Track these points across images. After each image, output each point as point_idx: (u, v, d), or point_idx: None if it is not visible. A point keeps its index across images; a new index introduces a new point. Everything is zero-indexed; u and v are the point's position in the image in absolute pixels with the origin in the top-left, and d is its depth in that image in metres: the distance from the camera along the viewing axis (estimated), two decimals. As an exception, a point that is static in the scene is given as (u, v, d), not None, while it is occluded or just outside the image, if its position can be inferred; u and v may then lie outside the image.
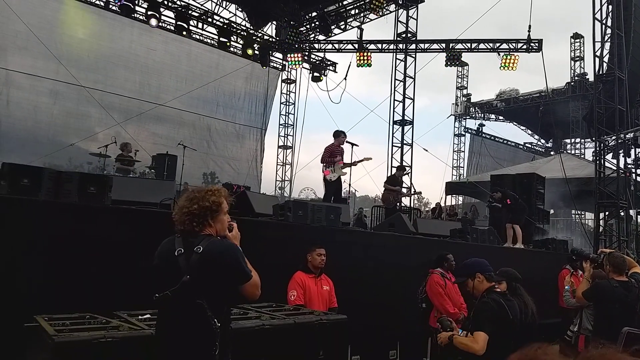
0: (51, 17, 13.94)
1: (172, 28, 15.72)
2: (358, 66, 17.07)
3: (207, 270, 2.52)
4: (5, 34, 13.04)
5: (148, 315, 3.44)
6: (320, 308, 4.69)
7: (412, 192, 14.17)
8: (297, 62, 17.82)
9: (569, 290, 6.29)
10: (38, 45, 13.22)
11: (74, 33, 14.41)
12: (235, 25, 17.12)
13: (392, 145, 16.43)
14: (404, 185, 12.89)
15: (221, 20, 16.68)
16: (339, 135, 9.35)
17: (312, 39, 19.01)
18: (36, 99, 13.78)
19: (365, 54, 17.01)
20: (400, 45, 16.69)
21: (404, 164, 16.12)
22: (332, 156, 9.16)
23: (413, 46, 16.70)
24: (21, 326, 3.21)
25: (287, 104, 20.37)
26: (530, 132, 30.36)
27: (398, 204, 11.98)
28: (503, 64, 16.06)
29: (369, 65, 17.00)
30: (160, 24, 15.46)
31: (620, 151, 13.54)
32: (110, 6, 14.84)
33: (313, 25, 18.61)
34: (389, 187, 11.38)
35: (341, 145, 9.31)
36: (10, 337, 3.55)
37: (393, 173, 12.50)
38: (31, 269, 4.03)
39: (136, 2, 14.84)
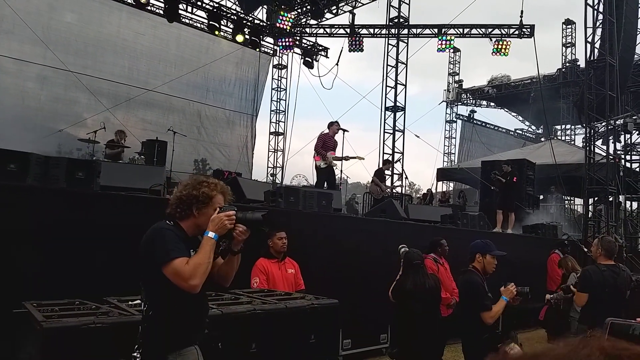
0: (38, 1, 13.66)
1: (161, 12, 15.48)
2: (350, 51, 16.94)
3: (141, 254, 2.51)
4: (-10, 17, 12.77)
5: (138, 301, 3.42)
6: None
7: (390, 189, 14.27)
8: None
9: None
10: (24, 30, 12.96)
11: (61, 17, 14.14)
12: (225, 9, 16.89)
13: (384, 132, 16.41)
14: (395, 172, 12.99)
15: (211, 3, 16.44)
16: (332, 125, 9.48)
17: (303, 23, 18.82)
18: (23, 84, 13.55)
19: (357, 39, 16.87)
20: (393, 30, 16.58)
21: (396, 150, 16.14)
22: (324, 146, 9.26)
23: (405, 31, 16.60)
24: (9, 312, 3.18)
25: (279, 89, 20.21)
26: (521, 118, 30.46)
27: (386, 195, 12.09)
28: (495, 49, 16.03)
29: (361, 50, 16.89)
30: (148, 7, 15.22)
31: (610, 137, 13.61)
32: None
33: (304, 9, 18.42)
34: (376, 180, 11.53)
35: (335, 135, 9.41)
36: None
37: (380, 167, 12.63)
38: (19, 255, 3.98)
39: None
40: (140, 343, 2.47)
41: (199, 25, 16.83)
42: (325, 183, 9.21)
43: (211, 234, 2.47)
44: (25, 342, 3.12)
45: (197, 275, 2.37)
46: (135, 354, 2.46)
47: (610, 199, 13.00)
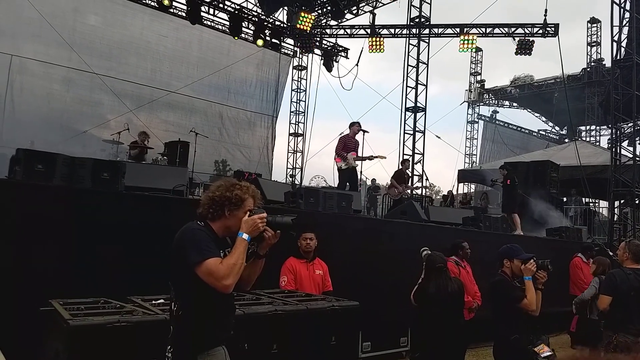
0: (63, 4, 13.96)
1: (184, 14, 15.67)
2: (370, 52, 16.89)
3: (172, 254, 2.53)
4: (18, 21, 13.07)
5: (162, 300, 3.47)
6: (313, 292, 4.71)
7: (413, 187, 14.03)
8: (307, 18, 17.02)
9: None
10: (51, 33, 13.26)
11: (85, 20, 14.43)
12: (246, 11, 17.01)
13: (404, 133, 16.32)
14: (416, 173, 12.89)
15: (232, 6, 16.58)
16: (353, 125, 9.51)
17: (323, 24, 18.83)
18: (49, 86, 13.86)
19: (377, 40, 16.80)
20: (414, 30, 16.47)
21: (416, 151, 16.03)
22: (345, 148, 9.33)
23: (426, 31, 16.48)
24: (37, 310, 3.25)
25: (299, 90, 20.27)
26: (544, 119, 29.98)
27: (404, 197, 11.96)
28: (519, 48, 15.79)
29: (382, 51, 16.83)
30: (171, 10, 15.43)
31: (637, 138, 13.30)
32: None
33: (325, 10, 18.43)
34: (395, 183, 11.45)
35: (356, 136, 9.42)
36: (26, 321, 3.60)
37: (399, 168, 12.53)
38: (46, 254, 4.07)
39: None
40: (172, 343, 2.49)
41: (220, 27, 16.98)
42: (348, 184, 9.22)
43: (245, 235, 2.50)
44: (51, 339, 3.19)
45: (231, 275, 2.40)
46: (167, 355, 2.49)
47: (637, 202, 12.70)
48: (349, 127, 9.59)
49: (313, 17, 17.15)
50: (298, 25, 16.92)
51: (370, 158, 9.45)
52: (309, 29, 17.05)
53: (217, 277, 2.38)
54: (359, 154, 9.40)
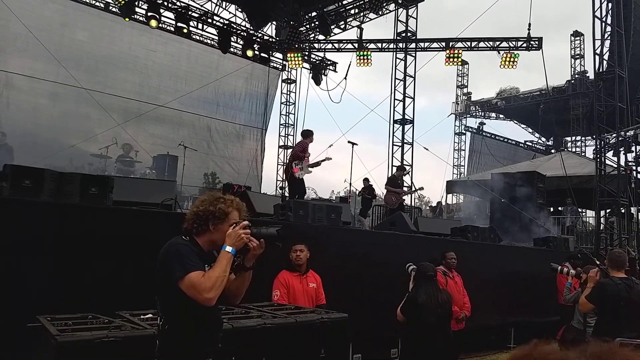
0: (51, 19, 13.95)
1: (172, 29, 15.71)
2: (358, 66, 17.05)
3: (157, 269, 2.54)
4: (5, 36, 13.03)
5: (150, 315, 3.46)
6: (306, 305, 4.68)
7: (414, 190, 14.14)
8: (296, 57, 17.50)
9: (570, 287, 6.30)
10: (38, 47, 13.21)
11: (73, 35, 14.41)
12: (235, 26, 17.11)
13: (393, 145, 16.46)
14: (404, 184, 12.90)
15: (221, 20, 16.67)
16: (309, 134, 9.21)
17: (311, 38, 18.99)
18: (36, 101, 13.76)
19: (365, 54, 16.98)
20: (400, 45, 16.70)
21: (405, 163, 16.14)
22: (304, 151, 8.99)
23: (413, 45, 16.71)
24: (24, 326, 3.22)
25: (288, 103, 20.35)
26: (530, 130, 30.36)
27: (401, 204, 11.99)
28: (503, 61, 16.04)
29: (369, 65, 17.00)
30: (160, 25, 15.47)
31: (621, 149, 13.52)
32: (110, 7, 14.84)
33: (313, 25, 18.60)
34: (390, 188, 11.40)
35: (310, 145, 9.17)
36: (14, 337, 3.57)
37: (393, 173, 12.49)
38: (34, 270, 4.04)
39: (136, 3, 14.80)
40: (158, 357, 2.50)
41: (209, 41, 17.05)
42: (297, 195, 8.86)
43: (228, 248, 2.50)
44: (39, 355, 3.16)
45: (213, 288, 2.40)
46: None
47: (622, 211, 12.88)
48: (305, 137, 9.18)
49: (299, 57, 17.45)
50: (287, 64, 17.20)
51: (318, 164, 9.18)
52: (300, 66, 17.37)
53: (199, 289, 2.38)
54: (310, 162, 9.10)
